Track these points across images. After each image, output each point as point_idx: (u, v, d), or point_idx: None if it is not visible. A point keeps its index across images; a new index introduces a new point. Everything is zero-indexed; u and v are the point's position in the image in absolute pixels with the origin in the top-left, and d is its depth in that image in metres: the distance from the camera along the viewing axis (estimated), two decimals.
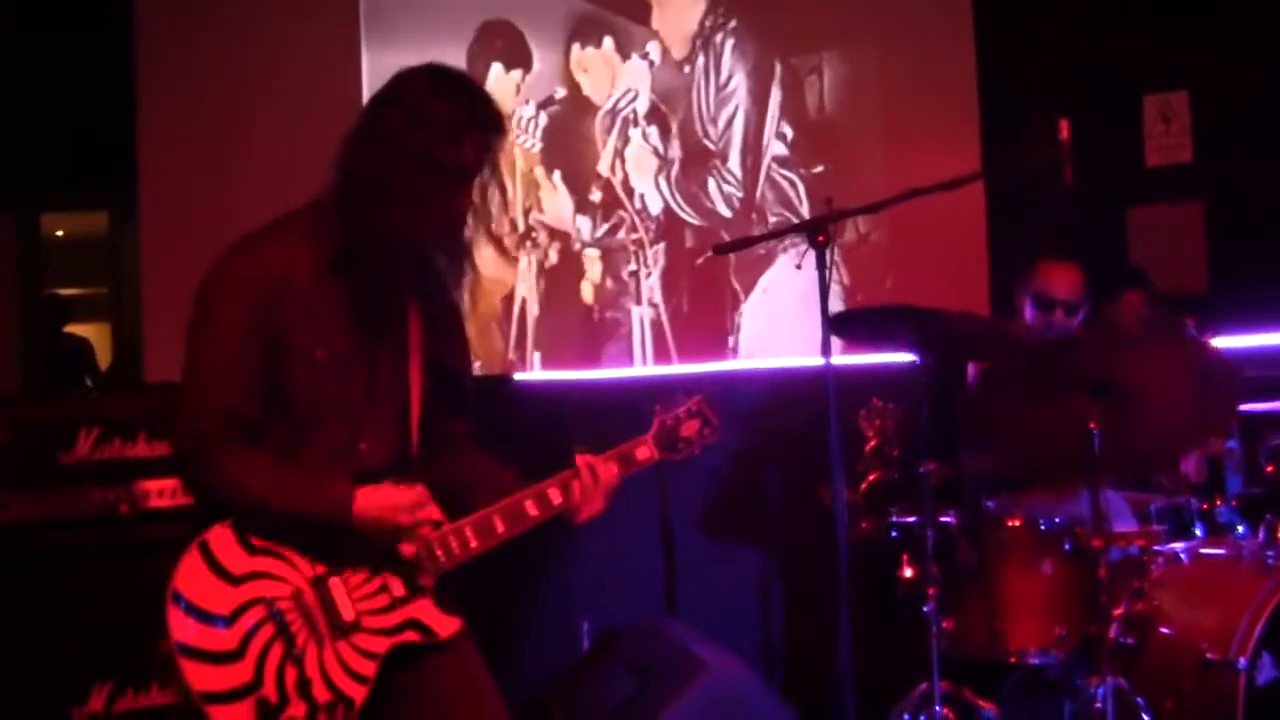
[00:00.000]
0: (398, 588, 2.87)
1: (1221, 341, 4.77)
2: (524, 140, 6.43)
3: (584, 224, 6.51)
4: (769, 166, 6.58)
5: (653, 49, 6.54)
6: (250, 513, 2.80)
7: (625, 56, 6.51)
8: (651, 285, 6.52)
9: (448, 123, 2.79)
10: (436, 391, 3.01)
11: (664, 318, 6.49)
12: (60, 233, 9.76)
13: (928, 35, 6.52)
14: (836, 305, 6.11)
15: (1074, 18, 6.25)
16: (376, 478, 2.87)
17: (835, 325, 3.95)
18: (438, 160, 2.79)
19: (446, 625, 2.90)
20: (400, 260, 2.84)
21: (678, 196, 6.54)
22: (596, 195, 6.51)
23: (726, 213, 6.53)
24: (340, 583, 2.83)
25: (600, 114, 6.48)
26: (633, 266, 6.50)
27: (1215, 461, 4.65)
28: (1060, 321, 4.80)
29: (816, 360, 3.52)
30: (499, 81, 6.37)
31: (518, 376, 6.16)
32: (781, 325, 6.41)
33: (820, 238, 3.69)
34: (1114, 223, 6.25)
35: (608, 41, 6.50)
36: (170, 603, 2.73)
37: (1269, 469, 4.26)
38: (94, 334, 9.07)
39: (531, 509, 2.96)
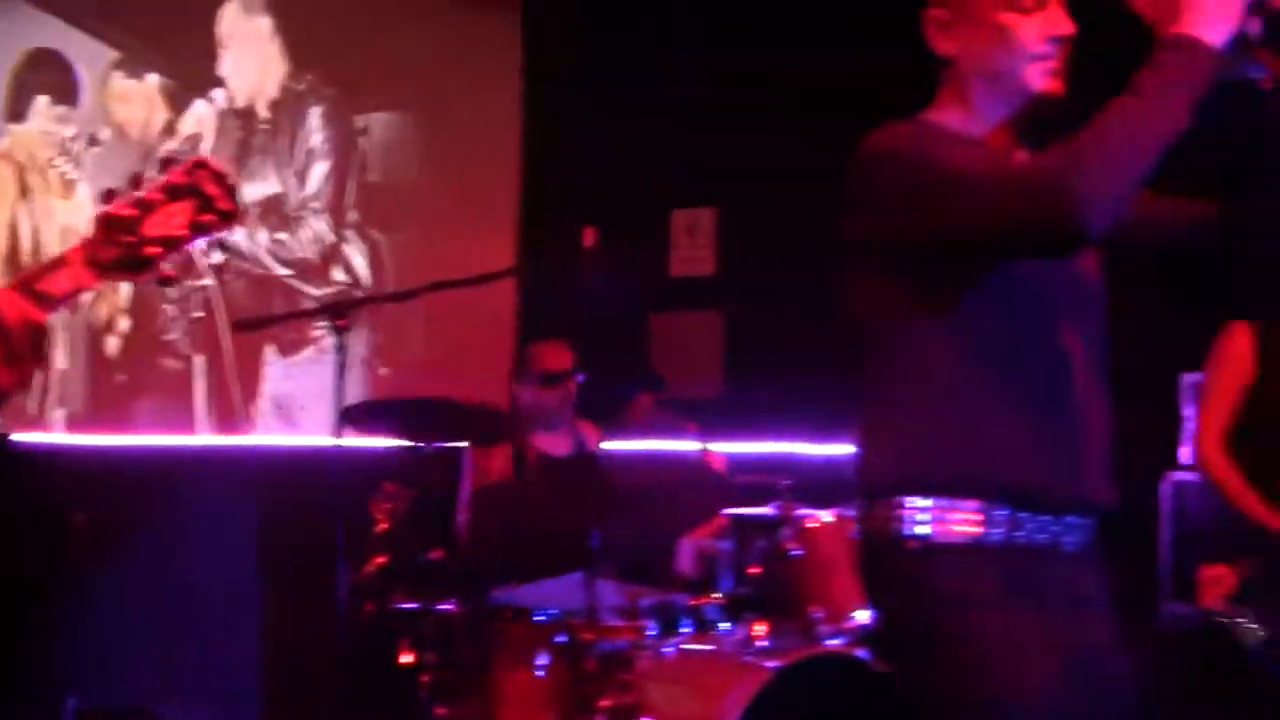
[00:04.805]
0: None
1: (724, 446, 5.07)
2: (62, 168, 6.12)
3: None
4: (350, 225, 6.51)
5: (218, 95, 6.36)
6: None
7: (185, 100, 6.29)
8: (217, 335, 6.28)
9: None
10: None
11: (229, 370, 6.25)
12: None
13: (480, 126, 6.63)
14: (360, 385, 6.13)
15: (610, 134, 6.52)
16: None
17: (348, 417, 3.95)
18: None
19: None
20: None
21: (256, 247, 6.34)
22: None
23: (317, 262, 6.39)
24: None
25: (152, 157, 6.22)
26: (198, 313, 6.24)
27: (710, 560, 4.87)
28: (570, 391, 5.13)
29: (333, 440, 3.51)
30: (43, 114, 6.07)
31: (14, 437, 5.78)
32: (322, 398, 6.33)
33: (342, 321, 3.72)
34: (638, 328, 6.52)
35: (152, 77, 6.27)
36: None
37: (755, 570, 4.49)
38: None
39: None
